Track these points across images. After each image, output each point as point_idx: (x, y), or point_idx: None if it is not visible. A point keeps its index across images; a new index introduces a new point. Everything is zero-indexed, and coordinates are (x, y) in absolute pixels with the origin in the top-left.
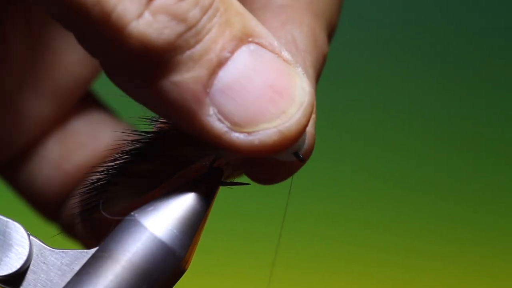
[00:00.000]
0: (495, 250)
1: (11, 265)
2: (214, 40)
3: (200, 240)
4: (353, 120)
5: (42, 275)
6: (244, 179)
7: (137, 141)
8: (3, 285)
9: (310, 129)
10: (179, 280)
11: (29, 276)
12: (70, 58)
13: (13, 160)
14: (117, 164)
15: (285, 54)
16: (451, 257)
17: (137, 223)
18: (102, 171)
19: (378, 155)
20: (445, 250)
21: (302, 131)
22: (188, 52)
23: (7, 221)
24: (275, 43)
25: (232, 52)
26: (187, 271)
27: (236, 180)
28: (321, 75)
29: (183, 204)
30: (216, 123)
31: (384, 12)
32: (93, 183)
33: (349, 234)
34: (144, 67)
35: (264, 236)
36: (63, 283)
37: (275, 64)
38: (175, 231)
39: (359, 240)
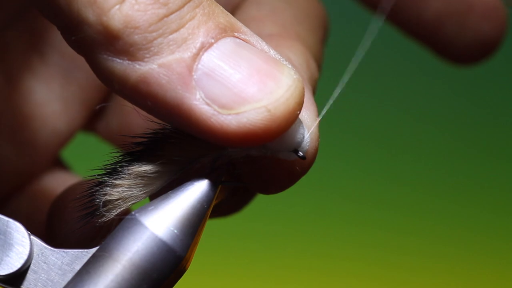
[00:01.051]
0: (495, 250)
1: (11, 265)
2: (197, 27)
3: (200, 239)
4: (354, 120)
5: (42, 275)
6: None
7: (138, 143)
8: (3, 285)
9: (314, 130)
10: (180, 280)
11: (29, 275)
12: (49, 111)
13: None
14: (118, 166)
15: (273, 52)
16: (451, 257)
17: (137, 222)
18: (104, 173)
19: (378, 155)
20: (445, 250)
21: (291, 114)
22: (170, 36)
23: (7, 220)
24: (263, 43)
25: (216, 39)
26: (187, 271)
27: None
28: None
29: (183, 203)
30: (203, 106)
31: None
32: (94, 186)
33: (349, 234)
34: (128, 48)
35: (264, 236)
36: (64, 283)
37: (262, 55)
38: (175, 230)
39: (360, 240)
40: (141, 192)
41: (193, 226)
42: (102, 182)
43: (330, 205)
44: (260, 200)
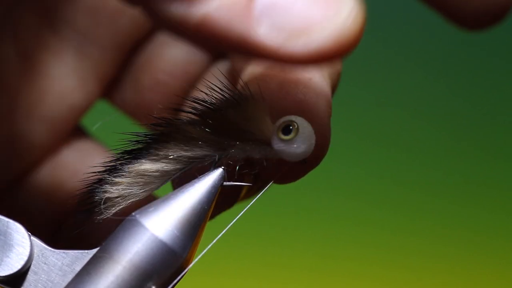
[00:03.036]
0: (495, 250)
1: (12, 266)
2: None
3: (201, 240)
4: (354, 120)
5: (43, 276)
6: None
7: (139, 141)
8: (4, 286)
9: (326, 121)
10: (180, 280)
11: (30, 276)
12: (64, 86)
13: (6, 187)
14: (118, 164)
15: None
16: (451, 257)
17: (138, 224)
18: (104, 171)
19: (379, 155)
20: (445, 250)
21: (358, 32)
22: None
23: (8, 221)
24: None
25: None
26: (188, 271)
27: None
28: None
29: (184, 204)
30: (270, 39)
31: (384, 12)
32: (94, 183)
33: (349, 234)
34: None
35: (265, 236)
36: (64, 284)
37: None
38: (176, 231)
39: (360, 240)
40: (141, 191)
41: (194, 227)
42: (102, 179)
43: (330, 205)
44: (260, 201)
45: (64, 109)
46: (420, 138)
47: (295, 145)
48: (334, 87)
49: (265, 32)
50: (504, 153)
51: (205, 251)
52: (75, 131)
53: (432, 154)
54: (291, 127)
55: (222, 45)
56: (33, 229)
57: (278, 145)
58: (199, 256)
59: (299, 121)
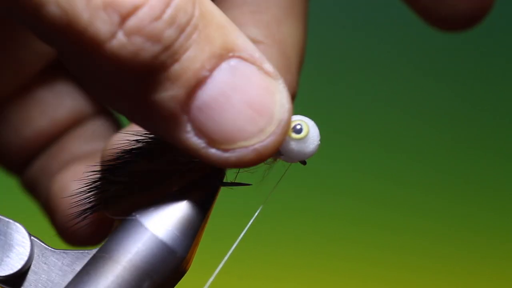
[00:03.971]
0: (495, 250)
1: (12, 266)
2: (192, 59)
3: (201, 240)
4: (355, 121)
5: (43, 275)
6: (245, 179)
7: (138, 140)
8: (4, 286)
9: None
10: (180, 280)
11: (30, 276)
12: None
13: None
14: (119, 163)
15: (267, 66)
16: (451, 257)
17: (138, 224)
18: (104, 169)
19: (379, 155)
20: (445, 250)
21: (278, 148)
22: (165, 73)
23: (8, 221)
24: (257, 55)
25: (211, 70)
26: (188, 271)
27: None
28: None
29: (184, 204)
30: (194, 139)
31: (385, 12)
32: (95, 181)
33: (349, 234)
34: (123, 84)
35: (265, 236)
36: (64, 283)
37: (256, 79)
38: (176, 231)
39: (360, 240)
40: (140, 191)
41: (194, 227)
42: (101, 178)
43: (330, 205)
44: (260, 201)
45: (30, 54)
46: (420, 138)
47: (305, 144)
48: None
49: (190, 132)
50: (504, 153)
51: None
52: (52, 72)
53: (432, 154)
54: (301, 127)
55: (155, 132)
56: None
57: (287, 144)
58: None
59: (308, 121)
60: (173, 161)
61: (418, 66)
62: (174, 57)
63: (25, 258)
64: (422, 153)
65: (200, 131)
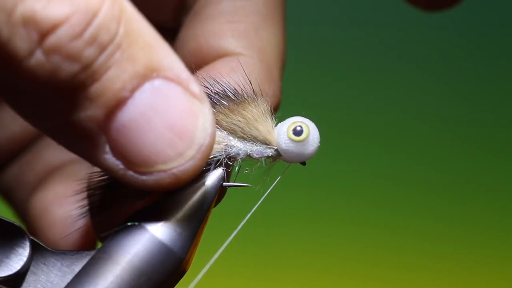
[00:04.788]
0: (495, 250)
1: (11, 266)
2: (112, 79)
3: (200, 240)
4: (355, 121)
5: (42, 276)
6: (245, 180)
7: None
8: (3, 286)
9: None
10: (180, 280)
11: (29, 277)
12: None
13: None
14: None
15: (193, 87)
16: (451, 257)
17: (137, 225)
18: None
19: (379, 155)
20: (445, 250)
21: (197, 172)
22: (84, 93)
23: (8, 222)
24: (183, 75)
25: (133, 91)
26: (187, 272)
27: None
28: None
29: (183, 205)
30: (111, 160)
31: (385, 12)
32: (101, 181)
33: (350, 234)
34: (43, 103)
35: (265, 236)
36: (63, 284)
37: (179, 101)
38: (175, 232)
39: (360, 240)
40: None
41: (193, 228)
42: (107, 179)
43: (330, 205)
44: (262, 201)
45: None
46: (420, 138)
47: (305, 146)
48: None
49: (108, 154)
50: (504, 153)
51: (215, 256)
52: None
53: (432, 154)
54: (301, 129)
55: (74, 151)
56: None
57: (287, 146)
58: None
59: (308, 123)
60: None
61: (418, 66)
62: (94, 77)
63: (24, 259)
64: (422, 153)
65: (118, 153)
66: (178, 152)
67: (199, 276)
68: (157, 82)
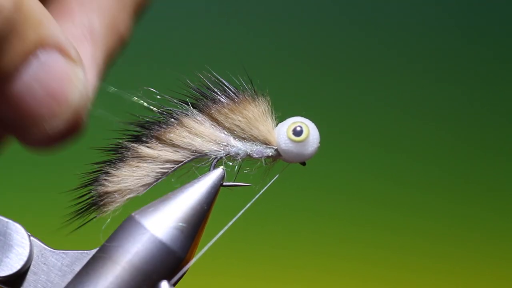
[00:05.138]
0: (495, 250)
1: (11, 266)
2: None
3: (200, 240)
4: (355, 121)
5: (42, 276)
6: (245, 180)
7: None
8: (3, 286)
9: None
10: (180, 280)
11: (29, 276)
12: None
13: None
14: (116, 155)
15: (72, 52)
16: (451, 257)
17: (137, 224)
18: (100, 162)
19: (379, 155)
20: (445, 250)
21: (73, 131)
22: None
23: (7, 222)
24: (62, 41)
25: (20, 65)
26: (188, 271)
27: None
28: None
29: (184, 204)
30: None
31: (385, 12)
32: (92, 176)
33: (350, 234)
34: None
35: (265, 236)
36: (64, 284)
37: (59, 69)
38: (175, 232)
39: (360, 240)
40: (138, 186)
41: (193, 228)
42: (99, 172)
43: (330, 205)
44: (260, 201)
45: None
46: (420, 138)
47: (305, 147)
48: (111, 57)
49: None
50: (504, 153)
51: (206, 247)
52: None
53: (432, 154)
54: (301, 129)
55: None
56: None
57: (287, 146)
58: (200, 253)
59: (308, 123)
60: (174, 149)
61: (418, 66)
62: None
63: (25, 258)
64: (422, 153)
65: (11, 118)
66: (54, 115)
67: (188, 266)
68: (42, 56)
